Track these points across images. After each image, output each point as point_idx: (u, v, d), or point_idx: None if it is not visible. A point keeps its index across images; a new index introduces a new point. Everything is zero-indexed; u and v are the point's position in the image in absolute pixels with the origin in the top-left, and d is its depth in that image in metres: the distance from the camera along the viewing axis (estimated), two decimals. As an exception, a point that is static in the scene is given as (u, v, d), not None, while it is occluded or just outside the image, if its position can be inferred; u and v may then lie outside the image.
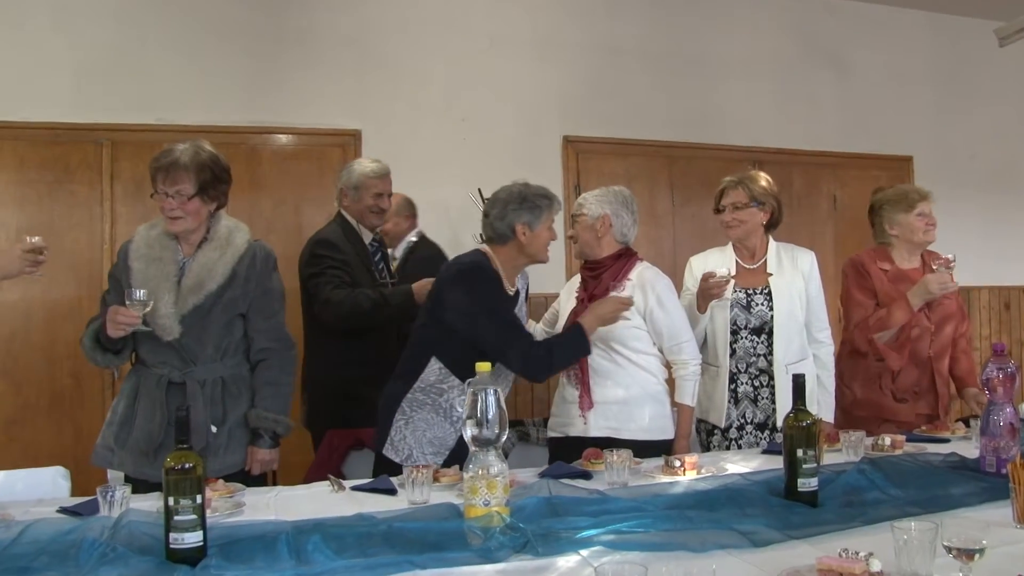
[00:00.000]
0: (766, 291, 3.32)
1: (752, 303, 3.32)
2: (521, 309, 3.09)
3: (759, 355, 3.29)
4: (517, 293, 3.08)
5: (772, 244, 3.43)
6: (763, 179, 3.40)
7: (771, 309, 3.29)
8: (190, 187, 2.80)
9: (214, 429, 2.83)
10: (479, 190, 5.04)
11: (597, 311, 2.97)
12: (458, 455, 2.79)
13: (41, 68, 4.70)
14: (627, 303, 2.99)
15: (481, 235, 5.10)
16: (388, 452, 2.90)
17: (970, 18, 6.59)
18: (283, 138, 5.14)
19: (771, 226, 3.42)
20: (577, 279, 3.35)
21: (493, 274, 2.95)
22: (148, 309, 2.67)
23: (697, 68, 5.97)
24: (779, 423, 3.21)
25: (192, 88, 4.91)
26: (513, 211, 2.97)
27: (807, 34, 6.29)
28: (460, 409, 2.82)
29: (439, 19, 5.39)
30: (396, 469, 2.71)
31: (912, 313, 3.43)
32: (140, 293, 2.64)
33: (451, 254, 5.16)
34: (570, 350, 2.98)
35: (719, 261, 3.45)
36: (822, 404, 3.32)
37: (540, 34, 5.61)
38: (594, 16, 5.75)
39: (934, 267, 3.41)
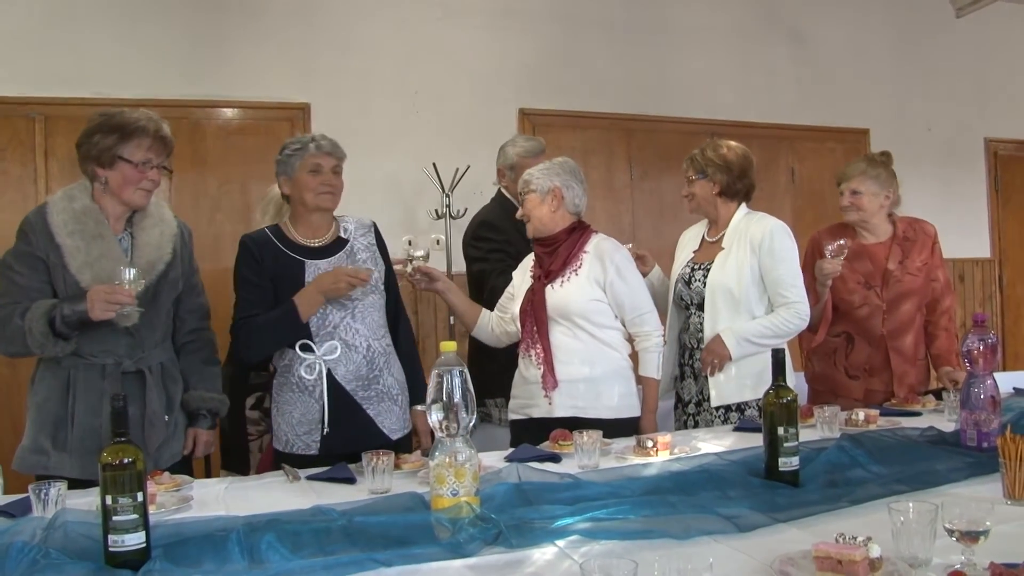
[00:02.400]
0: (708, 266, 3.21)
1: (692, 279, 3.24)
2: (353, 257, 2.88)
3: (703, 331, 3.19)
4: (341, 241, 2.90)
5: (738, 216, 3.26)
6: (711, 149, 3.26)
7: (705, 285, 3.18)
8: (167, 160, 2.70)
9: (166, 418, 2.68)
10: (434, 165, 4.91)
11: (321, 283, 2.72)
12: (331, 436, 2.73)
13: (-35, 39, 4.46)
14: (357, 276, 2.72)
15: (437, 211, 5.00)
16: (275, 444, 2.85)
17: (927, -10, 6.59)
18: (228, 112, 4.94)
19: (731, 195, 3.26)
20: (530, 258, 3.24)
21: (245, 246, 2.85)
22: (140, 289, 2.50)
23: (656, 39, 5.88)
24: (713, 400, 3.12)
25: (130, 59, 4.69)
26: (276, 166, 2.88)
27: (766, 5, 6.24)
28: (308, 376, 2.73)
29: (390, -13, 5.22)
30: (289, 462, 2.57)
31: (815, 299, 3.30)
32: (131, 272, 2.46)
33: (404, 232, 5.05)
34: (275, 329, 2.75)
35: (694, 234, 3.43)
36: (745, 328, 3.10)
37: (495, 3, 5.48)
38: (551, -15, 5.62)
39: (827, 252, 3.28)
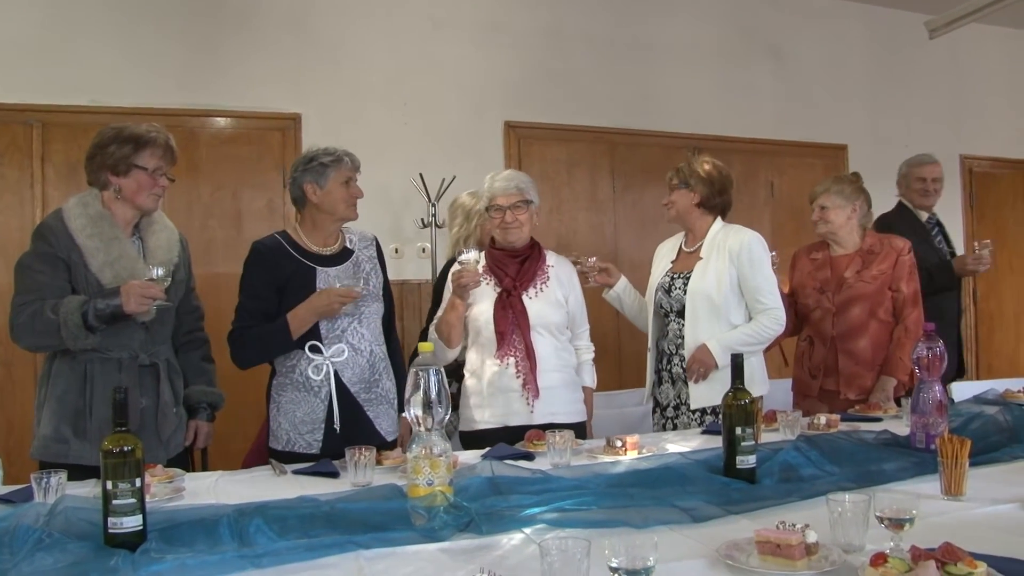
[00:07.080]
0: (688, 275, 3.34)
1: (672, 287, 3.37)
2: (359, 268, 3.01)
3: (682, 337, 3.32)
4: (347, 251, 3.03)
5: (715, 228, 3.40)
6: (696, 163, 3.42)
7: (686, 293, 3.32)
8: (170, 170, 2.88)
9: (175, 410, 2.84)
10: (420, 175, 5.03)
11: (314, 304, 2.82)
12: (333, 434, 2.83)
13: (-34, 46, 4.56)
14: (348, 295, 2.81)
15: (423, 220, 5.13)
16: (272, 443, 2.91)
17: (902, 11, 6.76)
18: (221, 121, 5.05)
19: (709, 208, 3.41)
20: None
21: (257, 252, 2.94)
22: (167, 285, 2.69)
23: (639, 54, 6.03)
24: (692, 403, 3.27)
25: (127, 69, 4.79)
26: (301, 174, 2.96)
27: (747, 23, 6.39)
28: (315, 376, 2.85)
29: (381, 1, 5.35)
30: (288, 460, 2.69)
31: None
32: (159, 270, 2.65)
33: (391, 240, 5.15)
34: (267, 343, 2.88)
35: (670, 246, 3.57)
36: (730, 337, 3.24)
37: (483, 18, 5.61)
38: (537, 0, 5.76)
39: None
